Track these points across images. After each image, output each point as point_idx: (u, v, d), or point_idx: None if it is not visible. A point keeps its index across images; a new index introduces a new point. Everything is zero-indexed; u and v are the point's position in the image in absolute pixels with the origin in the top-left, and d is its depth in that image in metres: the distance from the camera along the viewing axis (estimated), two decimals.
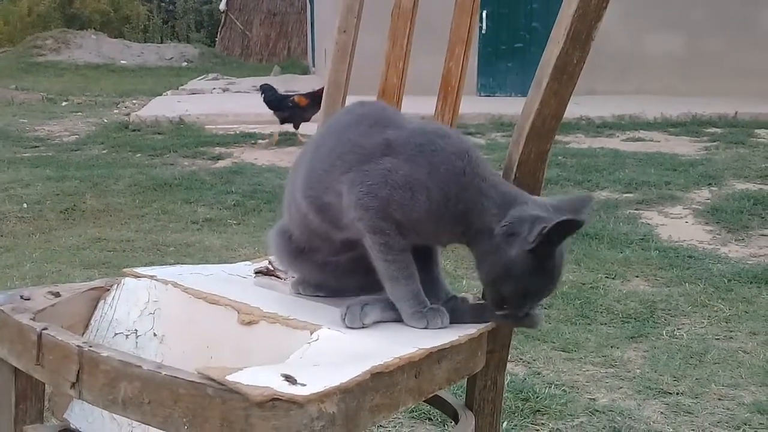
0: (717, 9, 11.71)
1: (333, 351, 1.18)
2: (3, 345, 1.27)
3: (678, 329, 3.21)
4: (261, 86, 8.41)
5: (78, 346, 1.14)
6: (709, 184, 5.92)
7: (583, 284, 3.70)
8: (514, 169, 1.43)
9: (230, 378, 0.99)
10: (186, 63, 20.99)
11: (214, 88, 13.98)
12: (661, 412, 2.54)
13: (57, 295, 1.39)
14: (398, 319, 1.34)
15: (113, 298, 1.44)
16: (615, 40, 10.96)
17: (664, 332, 3.18)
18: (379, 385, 1.11)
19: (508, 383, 2.56)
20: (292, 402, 0.98)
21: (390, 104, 1.80)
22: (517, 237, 1.26)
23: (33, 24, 23.88)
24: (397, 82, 1.82)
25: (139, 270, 1.48)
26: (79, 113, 10.93)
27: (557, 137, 1.84)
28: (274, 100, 8.11)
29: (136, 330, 1.39)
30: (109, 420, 1.35)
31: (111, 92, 13.94)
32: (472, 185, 1.30)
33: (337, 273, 1.46)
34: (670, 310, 3.42)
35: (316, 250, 1.45)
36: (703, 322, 3.29)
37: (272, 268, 1.62)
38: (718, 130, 8.63)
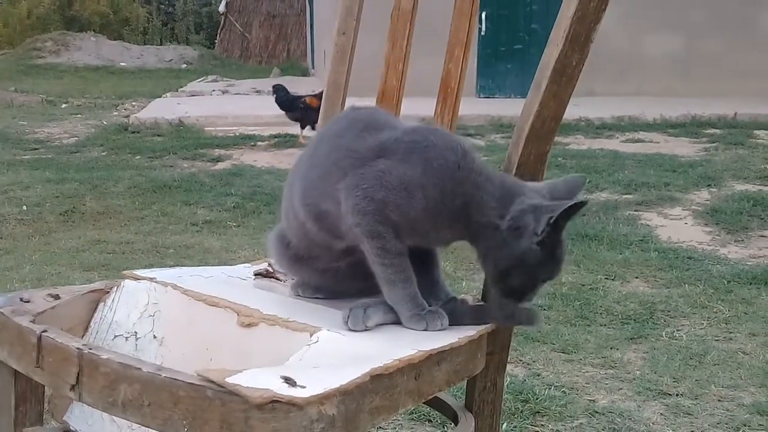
0: (716, 10, 11.71)
1: (333, 353, 1.18)
2: (3, 347, 1.27)
3: (677, 330, 3.21)
4: (273, 87, 8.40)
5: (78, 348, 1.14)
6: (709, 185, 5.92)
7: (583, 285, 3.70)
8: (514, 171, 1.44)
9: (230, 380, 0.99)
10: (185, 65, 20.99)
11: (213, 90, 13.98)
12: (661, 414, 2.54)
13: (57, 297, 1.39)
14: (400, 322, 1.34)
15: (113, 301, 1.44)
16: (614, 41, 10.96)
17: (664, 333, 3.18)
18: (379, 387, 1.11)
19: (507, 385, 2.56)
20: (292, 404, 0.98)
21: (389, 106, 1.80)
22: (524, 230, 1.27)
23: (32, 26, 23.87)
24: (396, 84, 1.82)
25: (139, 272, 1.48)
26: (79, 115, 10.93)
27: (557, 138, 1.84)
28: (286, 100, 8.10)
29: (135, 332, 1.39)
30: (108, 422, 1.35)
31: (110, 94, 13.94)
32: (467, 179, 1.31)
33: (337, 277, 1.46)
34: (669, 311, 3.42)
35: (315, 258, 1.45)
36: (703, 324, 3.29)
37: (272, 270, 1.62)
38: (718, 131, 8.63)
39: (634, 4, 11.15)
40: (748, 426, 2.46)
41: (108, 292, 1.46)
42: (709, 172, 6.29)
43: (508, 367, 2.42)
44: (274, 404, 0.97)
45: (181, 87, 14.69)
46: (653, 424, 2.47)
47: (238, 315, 1.31)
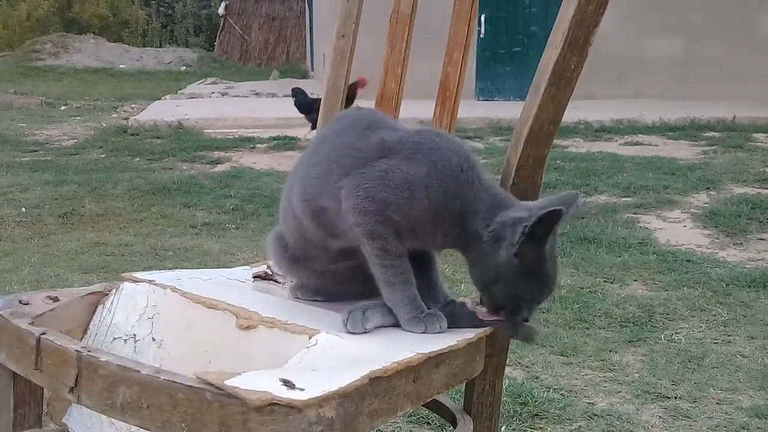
0: (715, 13, 11.72)
1: (331, 356, 1.18)
2: (2, 350, 1.27)
3: (676, 333, 3.21)
4: (292, 90, 8.34)
5: (77, 350, 1.14)
6: (708, 188, 5.92)
7: (582, 288, 3.70)
8: (513, 174, 1.44)
9: (229, 383, 0.99)
10: (185, 67, 20.99)
11: (212, 93, 13.98)
12: (660, 417, 2.54)
13: (56, 299, 1.39)
14: (399, 324, 1.34)
15: (112, 303, 1.44)
16: (613, 44, 10.96)
17: (663, 336, 3.18)
18: (378, 390, 1.11)
19: (506, 387, 2.57)
20: (291, 407, 0.98)
21: (388, 109, 1.81)
22: (503, 241, 1.27)
23: (32, 28, 23.86)
24: (395, 87, 1.83)
25: (138, 275, 1.49)
26: (78, 117, 10.93)
27: (556, 141, 1.84)
28: (305, 103, 8.05)
29: (134, 335, 1.39)
30: (107, 424, 1.35)
31: (110, 96, 13.93)
32: (469, 184, 1.31)
33: (335, 280, 1.46)
34: (668, 314, 3.42)
35: (312, 259, 1.45)
36: (702, 327, 3.29)
37: (271, 273, 1.62)
38: (717, 134, 8.63)
39: (634, 7, 11.16)
40: (747, 429, 2.46)
41: (107, 295, 1.46)
42: (707, 175, 6.29)
43: (507, 369, 2.42)
44: (272, 407, 0.97)
45: (181, 89, 14.69)
46: (652, 427, 2.47)
47: (236, 317, 1.31)
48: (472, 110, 9.21)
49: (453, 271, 3.51)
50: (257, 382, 1.00)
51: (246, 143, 8.19)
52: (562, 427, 2.46)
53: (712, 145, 7.97)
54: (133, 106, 12.24)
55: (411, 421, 2.48)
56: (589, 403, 2.63)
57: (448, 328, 1.33)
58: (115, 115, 11.16)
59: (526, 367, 2.88)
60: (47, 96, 13.49)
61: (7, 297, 1.35)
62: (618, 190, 5.85)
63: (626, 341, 3.12)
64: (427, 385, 1.23)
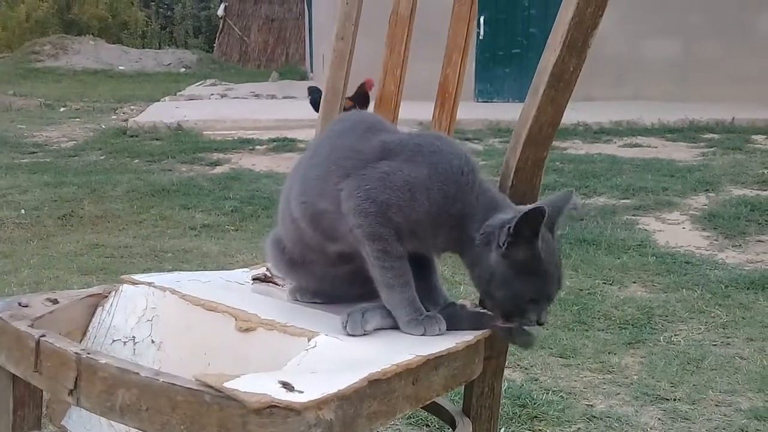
0: (714, 15, 11.72)
1: (331, 358, 1.18)
2: (1, 352, 1.27)
3: (675, 335, 3.21)
4: (309, 88, 8.23)
5: (76, 353, 1.14)
6: (707, 189, 5.92)
7: (581, 290, 3.70)
8: (512, 176, 1.44)
9: (228, 385, 0.99)
10: (184, 69, 20.98)
11: (212, 94, 13.98)
12: (659, 419, 2.54)
13: (55, 302, 1.40)
14: (398, 326, 1.34)
15: (111, 305, 1.44)
16: (612, 45, 10.97)
17: (662, 338, 3.18)
18: (377, 392, 1.11)
19: (505, 389, 2.57)
20: (290, 409, 0.98)
21: (387, 111, 1.81)
22: (492, 243, 1.27)
23: (31, 30, 23.84)
24: (394, 89, 1.83)
25: (137, 277, 1.49)
26: (77, 119, 10.93)
27: (555, 143, 1.84)
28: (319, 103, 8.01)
29: (133, 337, 1.39)
30: (107, 427, 1.35)
31: (109, 98, 13.93)
32: (469, 187, 1.31)
33: (335, 282, 1.46)
34: (667, 316, 3.42)
35: (310, 263, 1.45)
36: (701, 328, 3.29)
37: (270, 275, 1.62)
38: (716, 136, 8.63)
39: (632, 9, 11.16)
40: (746, 431, 2.46)
41: (106, 297, 1.46)
42: (706, 177, 6.30)
43: (506, 371, 2.42)
44: (271, 409, 0.97)
45: (180, 91, 14.69)
46: (651, 429, 2.47)
47: (236, 320, 1.31)
48: (471, 112, 9.21)
49: (452, 273, 3.51)
50: (256, 384, 1.00)
51: (245, 145, 8.19)
52: (561, 429, 2.46)
53: (711, 147, 7.97)
54: (132, 107, 12.23)
55: (410, 423, 2.48)
56: (588, 405, 2.63)
57: (447, 330, 1.33)
58: (114, 117, 11.16)
59: (525, 369, 2.88)
60: (46, 97, 13.49)
61: (6, 299, 1.35)
62: (617, 192, 5.85)
63: (625, 343, 3.12)
64: (426, 388, 1.23)
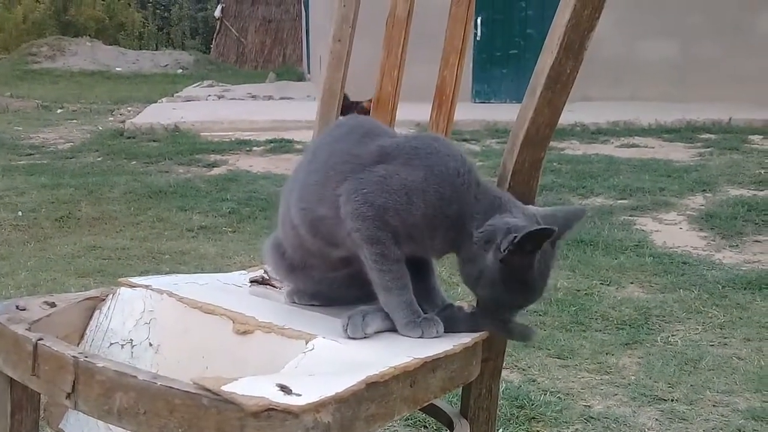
0: (712, 15, 11.73)
1: (328, 361, 1.18)
2: None
3: (672, 336, 3.22)
4: None
5: (73, 356, 1.14)
6: (704, 190, 5.93)
7: (578, 291, 3.70)
8: (509, 178, 1.44)
9: (225, 388, 0.99)
10: (181, 70, 20.97)
11: (209, 95, 13.97)
12: (656, 419, 2.54)
13: (52, 305, 1.39)
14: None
15: (108, 308, 1.44)
16: (609, 46, 10.97)
17: (659, 339, 3.18)
18: (375, 395, 1.11)
19: (503, 390, 2.57)
20: (288, 412, 0.98)
21: (385, 112, 1.81)
22: (492, 245, 1.27)
23: (28, 31, 23.83)
24: (391, 90, 1.83)
25: (134, 280, 1.49)
26: (74, 120, 10.93)
27: (552, 143, 1.85)
28: (346, 105, 7.90)
29: (131, 340, 1.39)
30: (104, 430, 1.35)
31: (106, 99, 13.92)
32: (465, 188, 1.31)
33: (333, 285, 1.46)
34: (664, 316, 3.43)
35: (311, 267, 1.45)
36: (698, 329, 3.29)
37: (267, 277, 1.62)
38: (713, 136, 8.65)
39: (630, 10, 11.16)
40: (743, 431, 2.46)
41: (103, 300, 1.46)
42: (704, 177, 6.31)
43: (504, 372, 2.42)
44: (269, 412, 0.97)
45: (177, 92, 14.69)
46: (648, 429, 2.47)
47: (233, 322, 1.31)
48: (468, 113, 9.21)
49: (449, 274, 3.51)
50: (254, 387, 1.00)
51: (242, 146, 8.19)
52: (559, 430, 2.46)
53: (708, 147, 7.98)
54: (129, 109, 12.23)
55: (408, 425, 2.48)
56: (585, 405, 2.63)
57: (445, 332, 1.34)
58: (112, 119, 11.16)
59: (523, 370, 2.88)
60: (43, 99, 13.48)
61: (3, 302, 1.35)
62: (614, 193, 5.86)
63: (623, 344, 3.13)
64: (423, 390, 1.23)
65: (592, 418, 2.53)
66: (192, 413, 1.01)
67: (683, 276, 3.97)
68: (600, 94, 10.89)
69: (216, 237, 4.82)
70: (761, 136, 8.55)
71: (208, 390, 1.00)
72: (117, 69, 20.23)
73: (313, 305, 1.47)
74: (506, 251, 1.24)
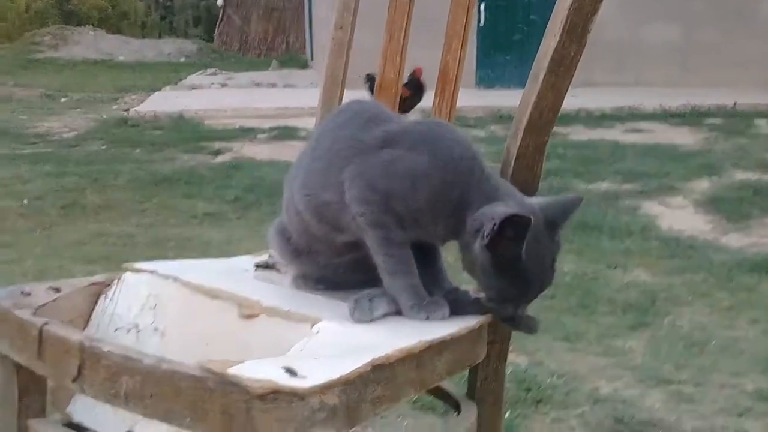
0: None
1: (334, 343, 1.18)
2: (4, 341, 1.27)
3: (679, 319, 3.22)
4: (366, 76, 7.76)
5: (79, 340, 1.14)
6: (709, 174, 5.92)
7: (584, 275, 3.70)
8: (512, 163, 1.43)
9: (231, 371, 0.99)
10: (184, 58, 20.94)
11: (212, 83, 13.97)
12: (663, 401, 2.55)
13: (57, 290, 1.40)
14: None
15: (114, 293, 1.44)
16: (613, 30, 10.93)
17: (666, 322, 3.18)
18: (381, 377, 1.11)
19: (510, 373, 2.57)
20: (294, 394, 0.98)
21: (388, 98, 1.81)
22: (480, 232, 1.26)
23: (31, 20, 23.82)
24: (394, 77, 1.82)
25: (139, 265, 1.49)
26: (78, 109, 10.92)
27: (557, 129, 1.84)
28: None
29: (136, 324, 1.39)
30: (111, 413, 1.35)
31: (110, 88, 13.91)
32: (470, 174, 1.30)
33: (338, 270, 1.46)
34: (671, 299, 3.43)
35: (317, 253, 1.44)
36: (705, 312, 3.29)
37: (272, 262, 1.62)
38: (718, 121, 8.62)
39: None
40: (751, 412, 2.47)
41: (109, 285, 1.46)
42: (709, 162, 6.29)
43: (511, 356, 2.42)
44: (275, 394, 0.97)
45: (181, 80, 14.68)
46: (656, 411, 2.47)
47: (238, 306, 1.31)
48: (472, 99, 9.19)
49: (455, 259, 3.51)
50: (260, 370, 1.00)
51: (246, 134, 8.19)
52: (566, 413, 2.46)
53: (713, 132, 7.96)
54: (133, 97, 12.22)
55: (415, 408, 2.49)
56: (593, 388, 2.63)
57: (451, 315, 1.33)
58: (115, 107, 11.15)
59: (530, 353, 2.88)
60: (47, 88, 13.47)
61: (8, 288, 1.35)
62: (619, 177, 5.85)
63: (629, 327, 3.13)
64: (429, 372, 1.23)
65: (600, 400, 2.53)
66: (198, 396, 1.01)
67: (690, 259, 3.97)
68: (604, 79, 10.86)
69: (221, 224, 4.82)
70: (766, 120, 8.53)
71: (214, 373, 1.00)
72: (120, 58, 20.21)
73: (318, 289, 1.47)
74: (488, 238, 1.23)
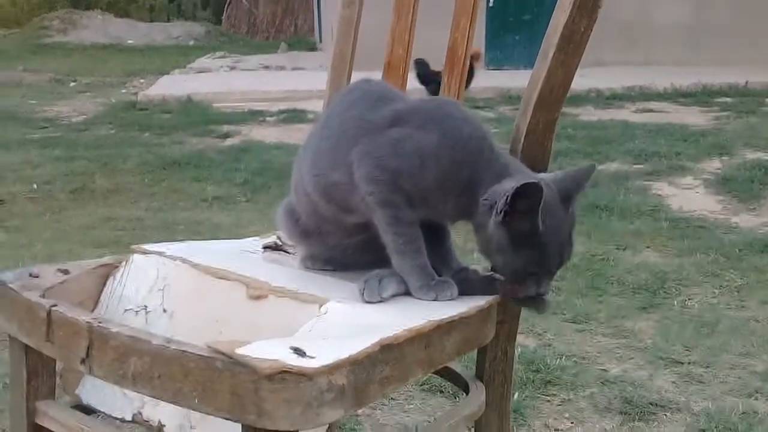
0: None
1: (342, 324, 1.17)
2: (13, 322, 1.28)
3: (689, 299, 3.20)
4: (415, 61, 7.28)
5: (87, 321, 1.15)
6: (720, 153, 5.89)
7: (594, 256, 3.69)
8: (522, 140, 1.43)
9: (239, 351, 0.99)
10: (193, 42, 20.94)
11: (221, 66, 13.96)
12: (673, 382, 2.54)
13: (66, 272, 1.40)
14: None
15: (122, 275, 1.44)
16: (622, 9, 10.88)
17: (676, 302, 3.17)
18: (389, 357, 1.11)
19: (519, 355, 2.57)
20: (302, 374, 0.98)
21: (396, 77, 1.80)
22: (494, 209, 1.25)
23: (39, 5, 23.85)
24: (402, 55, 1.81)
25: (148, 246, 1.49)
26: (87, 93, 10.94)
27: (566, 109, 1.83)
28: (425, 74, 7.30)
29: (145, 306, 1.39)
30: (120, 395, 1.36)
31: (118, 72, 13.92)
32: (479, 153, 1.29)
33: (347, 250, 1.45)
34: (681, 280, 3.41)
35: (326, 234, 1.43)
36: (715, 292, 3.28)
37: (281, 243, 1.61)
38: (729, 100, 8.57)
39: None
40: (761, 393, 2.46)
41: (117, 267, 1.46)
42: (720, 141, 6.26)
43: (520, 337, 2.42)
44: (283, 375, 0.97)
45: (189, 63, 14.68)
46: (665, 392, 2.47)
47: (247, 287, 1.31)
48: (481, 79, 9.14)
49: (464, 241, 3.51)
50: (268, 350, 1.00)
51: (255, 116, 8.19)
52: (575, 394, 2.46)
53: (725, 111, 7.92)
54: (141, 81, 12.23)
55: (423, 389, 2.49)
56: (602, 369, 2.62)
57: (459, 295, 1.33)
58: (124, 91, 11.16)
59: (539, 334, 2.88)
60: (56, 73, 13.49)
61: (17, 270, 1.35)
62: (630, 158, 5.83)
63: (639, 308, 3.12)
64: (438, 352, 1.23)
65: (609, 381, 2.53)
66: (206, 377, 1.01)
67: (700, 240, 3.95)
68: (613, 59, 10.81)
69: (230, 207, 4.82)
70: None
71: (222, 353, 1.00)
72: (129, 41, 20.21)
73: (326, 270, 1.47)
74: (501, 213, 1.22)
